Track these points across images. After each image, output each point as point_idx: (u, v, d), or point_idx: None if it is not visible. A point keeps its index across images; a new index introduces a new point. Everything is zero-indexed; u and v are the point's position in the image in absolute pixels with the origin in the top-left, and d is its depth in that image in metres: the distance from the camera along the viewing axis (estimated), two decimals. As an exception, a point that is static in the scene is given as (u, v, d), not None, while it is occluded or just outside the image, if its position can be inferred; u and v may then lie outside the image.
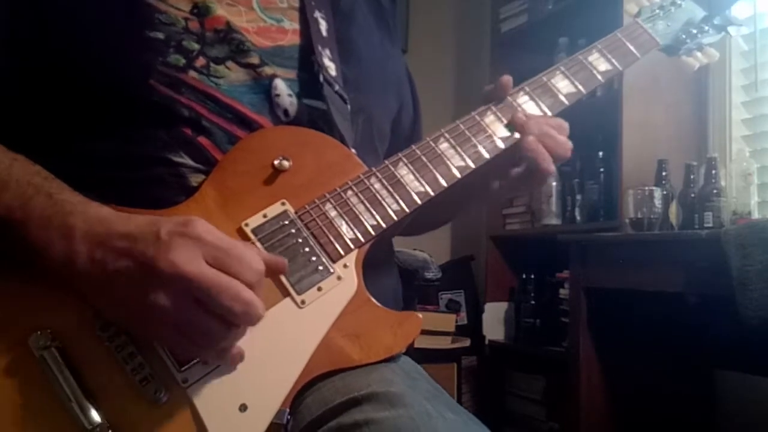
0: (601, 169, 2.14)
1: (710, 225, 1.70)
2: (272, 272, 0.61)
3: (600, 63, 0.86)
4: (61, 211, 0.58)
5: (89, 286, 0.57)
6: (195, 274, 0.54)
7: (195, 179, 0.68)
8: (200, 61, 0.69)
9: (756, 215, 1.78)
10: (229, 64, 0.71)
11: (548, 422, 2.29)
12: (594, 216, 2.14)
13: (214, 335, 0.56)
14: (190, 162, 0.68)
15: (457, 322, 2.47)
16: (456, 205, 0.93)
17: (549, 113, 0.81)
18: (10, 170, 0.61)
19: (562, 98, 0.82)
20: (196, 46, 0.70)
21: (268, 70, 0.73)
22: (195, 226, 0.56)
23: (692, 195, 1.78)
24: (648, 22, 0.93)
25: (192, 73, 0.69)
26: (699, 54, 0.98)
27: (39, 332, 0.58)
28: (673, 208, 1.81)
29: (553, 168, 0.78)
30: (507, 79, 0.81)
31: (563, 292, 2.24)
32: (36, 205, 0.59)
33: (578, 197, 2.23)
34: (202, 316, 0.55)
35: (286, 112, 0.73)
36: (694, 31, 0.96)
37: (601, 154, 2.15)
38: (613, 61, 0.86)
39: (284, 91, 0.73)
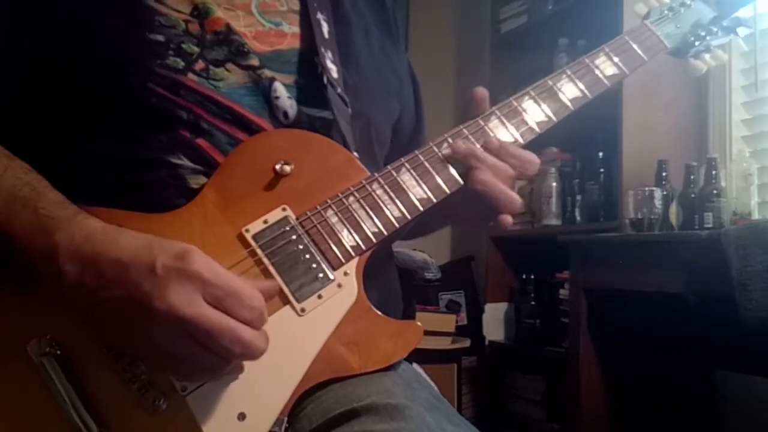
0: (602, 170, 2.14)
1: (710, 225, 1.70)
2: (269, 298, 0.60)
3: (607, 66, 0.84)
4: (45, 228, 0.57)
5: (79, 306, 0.57)
6: (194, 317, 0.53)
7: (194, 181, 0.68)
8: (199, 65, 0.69)
9: (756, 216, 1.78)
10: (229, 66, 0.71)
11: (548, 423, 2.29)
12: (594, 216, 2.14)
13: (212, 369, 0.56)
14: (189, 164, 0.68)
15: (457, 322, 2.47)
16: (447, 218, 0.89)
17: (554, 118, 0.80)
18: (1, 181, 0.60)
19: (568, 103, 0.81)
20: (196, 49, 0.70)
21: (267, 72, 0.72)
22: (192, 260, 0.54)
23: (692, 195, 1.78)
24: (656, 24, 0.91)
25: (191, 76, 0.69)
26: (707, 56, 0.96)
27: (38, 339, 0.58)
28: (674, 208, 1.81)
29: (486, 176, 0.72)
30: (482, 92, 0.78)
31: (563, 293, 2.24)
32: (21, 221, 0.58)
33: (578, 198, 2.23)
34: (201, 353, 0.54)
35: (285, 114, 0.72)
36: (703, 33, 0.94)
37: (601, 154, 2.15)
38: (620, 64, 0.85)
39: (284, 93, 0.72)
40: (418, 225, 0.86)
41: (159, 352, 0.55)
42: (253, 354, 0.56)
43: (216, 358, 0.55)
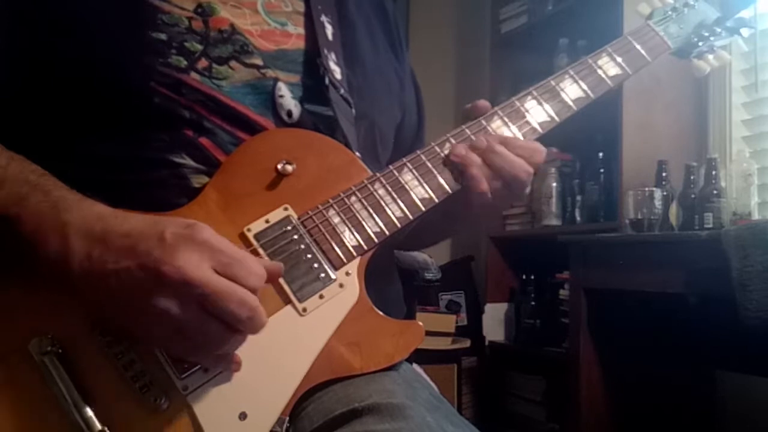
0: (602, 170, 2.14)
1: (710, 226, 1.70)
2: (271, 278, 0.61)
3: (610, 67, 0.84)
4: (55, 208, 0.58)
5: (86, 285, 0.57)
6: (202, 280, 0.54)
7: (197, 180, 0.68)
8: (202, 63, 0.69)
9: (756, 216, 1.77)
10: (233, 63, 0.71)
11: (548, 423, 2.29)
12: (594, 217, 2.14)
13: (216, 339, 0.56)
14: (192, 163, 0.68)
15: (457, 322, 2.47)
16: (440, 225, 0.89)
17: (557, 119, 0.80)
18: (7, 168, 0.61)
19: (570, 103, 0.81)
20: (199, 47, 0.69)
21: (271, 72, 0.72)
22: (200, 230, 0.56)
23: (692, 196, 1.78)
24: (660, 24, 0.91)
25: (193, 75, 0.68)
26: (710, 57, 0.96)
27: (39, 337, 0.58)
28: (674, 208, 1.81)
29: (483, 188, 0.71)
30: (485, 105, 0.78)
31: (563, 293, 2.24)
32: (31, 202, 0.58)
33: (578, 198, 2.24)
34: (206, 321, 0.54)
35: (289, 113, 0.72)
36: (706, 34, 0.94)
37: (601, 154, 2.15)
38: (624, 65, 0.85)
39: (287, 93, 0.72)
40: (419, 236, 0.86)
41: (164, 323, 0.54)
42: (256, 323, 0.56)
43: (220, 327, 0.55)
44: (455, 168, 0.73)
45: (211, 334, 0.55)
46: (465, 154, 0.73)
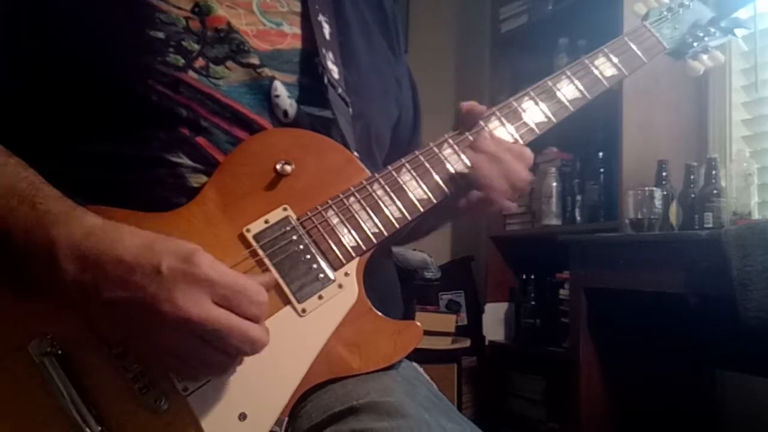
0: (602, 170, 2.14)
1: (710, 225, 1.70)
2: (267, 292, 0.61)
3: (606, 67, 0.85)
4: (41, 223, 0.57)
5: (78, 305, 0.57)
6: (203, 318, 0.53)
7: (194, 180, 0.68)
8: (199, 62, 0.69)
9: (756, 216, 1.77)
10: (229, 63, 0.71)
11: (548, 423, 2.29)
12: (594, 216, 2.14)
13: (218, 366, 0.57)
14: (189, 162, 0.68)
15: (457, 322, 2.47)
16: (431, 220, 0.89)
17: (554, 119, 0.80)
18: None
19: (567, 104, 0.81)
20: (196, 47, 0.70)
21: (267, 71, 0.72)
22: (199, 264, 0.54)
23: (692, 195, 1.78)
24: (655, 25, 0.91)
25: (191, 74, 0.69)
26: (705, 57, 0.96)
27: (39, 338, 0.58)
28: (673, 208, 1.81)
29: (496, 196, 0.74)
30: (477, 108, 0.78)
31: (563, 293, 2.24)
32: (18, 217, 0.58)
33: (578, 198, 2.23)
34: (207, 352, 0.55)
35: (285, 113, 0.72)
36: (701, 34, 0.94)
37: (601, 154, 2.15)
38: (620, 65, 0.85)
39: (284, 92, 0.72)
40: (415, 229, 0.86)
41: (165, 353, 0.55)
42: (258, 349, 0.57)
43: (224, 356, 0.56)
44: (461, 173, 0.74)
45: (212, 362, 0.56)
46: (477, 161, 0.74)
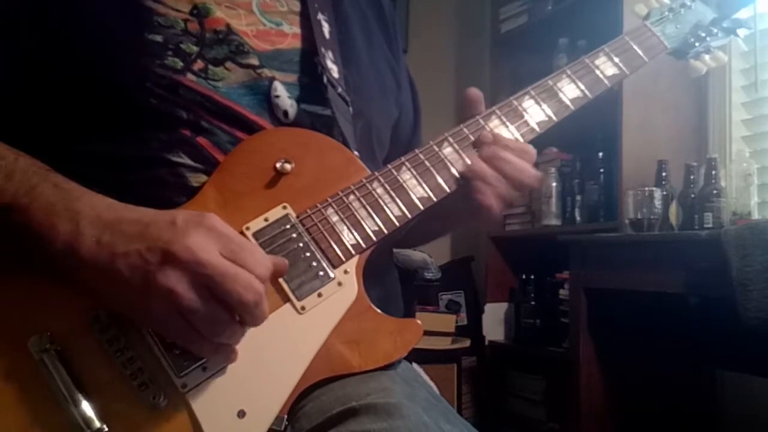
0: (601, 170, 2.15)
1: (710, 226, 1.70)
2: (277, 273, 0.61)
3: (607, 67, 0.84)
4: (67, 197, 0.59)
5: (92, 269, 0.57)
6: (210, 261, 0.54)
7: (195, 179, 0.68)
8: (198, 65, 0.69)
9: (756, 216, 1.78)
10: (228, 64, 0.71)
11: (548, 423, 2.29)
12: (594, 216, 2.15)
13: (219, 325, 0.56)
14: (190, 162, 0.68)
15: (457, 322, 2.47)
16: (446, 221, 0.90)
17: (554, 118, 0.80)
18: (16, 162, 0.61)
19: (568, 103, 0.81)
20: (195, 49, 0.70)
21: (267, 72, 0.72)
22: (210, 217, 0.57)
23: (692, 195, 1.78)
24: (656, 24, 0.91)
25: (189, 76, 0.69)
26: (707, 57, 0.96)
27: (38, 335, 0.58)
28: (673, 208, 1.81)
29: (490, 201, 0.72)
30: (475, 93, 0.79)
31: (563, 293, 2.24)
32: (42, 192, 0.59)
33: (578, 198, 2.24)
34: (210, 303, 0.55)
35: (285, 113, 0.72)
36: (703, 34, 0.94)
37: (601, 154, 2.15)
38: (621, 65, 0.85)
39: (284, 92, 0.73)
40: (417, 232, 0.86)
41: (168, 303, 0.54)
42: (259, 313, 0.56)
43: (225, 311, 0.55)
44: (461, 171, 0.74)
45: (213, 319, 0.55)
46: (474, 166, 0.74)
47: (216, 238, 0.56)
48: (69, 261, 0.57)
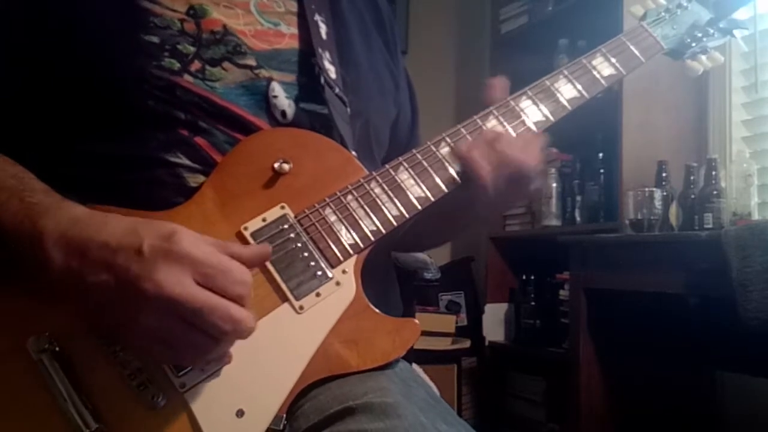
0: (601, 170, 2.14)
1: (710, 226, 1.70)
2: (258, 262, 0.61)
3: (604, 67, 0.85)
4: (31, 215, 0.58)
5: (67, 294, 0.57)
6: (183, 297, 0.53)
7: (193, 180, 0.68)
8: (195, 65, 0.69)
9: (756, 216, 1.77)
10: (226, 65, 0.71)
11: (548, 424, 2.29)
12: (594, 217, 2.14)
13: (202, 349, 0.56)
14: (188, 162, 0.68)
15: (457, 323, 2.47)
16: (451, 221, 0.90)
17: (552, 118, 0.80)
18: None
19: (565, 103, 0.81)
20: (192, 49, 0.70)
21: (264, 72, 0.72)
22: (180, 240, 0.54)
23: (692, 196, 1.78)
24: (653, 25, 0.91)
25: (186, 77, 0.69)
26: (703, 58, 0.96)
27: (37, 335, 0.58)
28: (673, 209, 1.81)
29: (484, 174, 0.71)
30: (504, 82, 0.79)
31: (563, 294, 2.24)
32: (8, 210, 0.58)
33: (578, 198, 2.24)
34: (191, 333, 0.54)
35: (283, 113, 0.72)
36: (699, 35, 0.94)
37: (601, 155, 2.15)
38: (618, 65, 0.85)
39: (282, 93, 0.73)
40: (419, 241, 0.86)
41: (148, 336, 0.54)
42: (243, 331, 0.56)
43: (206, 338, 0.55)
44: (456, 161, 0.73)
45: (196, 345, 0.55)
46: (470, 144, 0.73)
47: (188, 265, 0.54)
48: (42, 281, 0.57)
